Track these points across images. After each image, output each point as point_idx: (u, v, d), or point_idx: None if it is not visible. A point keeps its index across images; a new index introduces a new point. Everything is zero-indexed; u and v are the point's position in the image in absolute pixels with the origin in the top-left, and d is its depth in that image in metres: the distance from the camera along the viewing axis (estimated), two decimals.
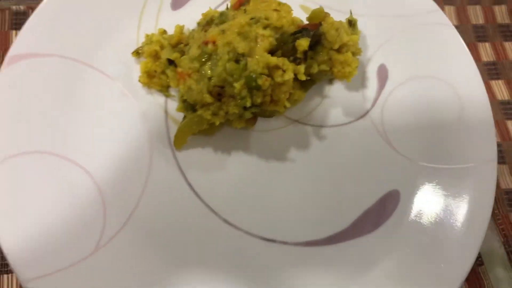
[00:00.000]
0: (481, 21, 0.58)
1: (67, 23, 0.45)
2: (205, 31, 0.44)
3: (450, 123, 0.44)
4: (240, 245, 0.40)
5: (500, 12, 0.59)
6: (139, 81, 0.45)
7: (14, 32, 0.53)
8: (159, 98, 0.45)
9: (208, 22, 0.45)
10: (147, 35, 0.47)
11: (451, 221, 0.40)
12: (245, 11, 0.43)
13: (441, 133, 0.44)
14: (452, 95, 0.45)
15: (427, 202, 0.42)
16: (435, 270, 0.39)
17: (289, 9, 0.43)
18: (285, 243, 0.40)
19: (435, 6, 0.48)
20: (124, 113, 0.44)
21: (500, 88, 0.54)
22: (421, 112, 0.45)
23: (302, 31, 0.42)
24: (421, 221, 0.41)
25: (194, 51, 0.42)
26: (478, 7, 0.59)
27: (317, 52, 0.43)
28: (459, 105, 0.44)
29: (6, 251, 0.36)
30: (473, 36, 0.57)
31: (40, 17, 0.45)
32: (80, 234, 0.39)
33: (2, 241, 0.37)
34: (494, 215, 0.47)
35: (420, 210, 0.42)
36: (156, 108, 0.45)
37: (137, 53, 0.46)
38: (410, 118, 0.45)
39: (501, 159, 0.50)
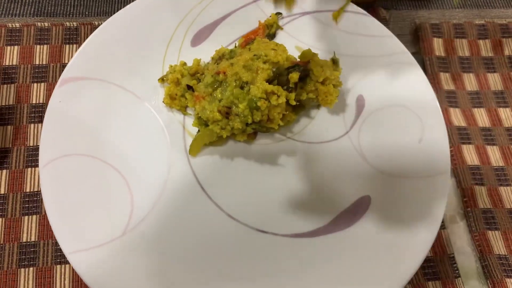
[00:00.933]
0: (466, 53, 0.60)
1: (107, 54, 0.50)
2: (217, 64, 0.49)
3: (412, 143, 0.49)
4: (239, 235, 0.45)
5: (484, 46, 0.61)
6: (163, 102, 0.50)
7: (66, 46, 0.55)
8: (178, 115, 0.51)
9: (220, 57, 0.50)
10: (170, 66, 0.51)
11: (410, 220, 0.45)
12: (249, 49, 0.49)
13: (405, 150, 0.49)
14: (415, 120, 0.50)
15: (392, 206, 0.46)
16: (392, 260, 0.43)
17: (284, 49, 0.48)
18: (275, 234, 0.45)
19: (404, 48, 0.52)
20: (150, 127, 0.49)
21: (481, 115, 0.57)
22: (390, 133, 0.50)
23: (294, 66, 0.47)
24: (386, 221, 0.45)
25: (208, 79, 0.47)
26: (464, 41, 0.61)
27: (306, 83, 0.48)
28: (421, 128, 0.49)
29: (55, 229, 0.42)
30: (459, 66, 0.59)
31: (87, 48, 0.50)
32: (112, 220, 0.44)
33: (52, 221, 0.42)
34: (471, 232, 0.50)
35: (386, 212, 0.46)
36: (176, 123, 0.50)
37: (162, 79, 0.51)
38: (381, 138, 0.50)
39: (480, 181, 0.52)
